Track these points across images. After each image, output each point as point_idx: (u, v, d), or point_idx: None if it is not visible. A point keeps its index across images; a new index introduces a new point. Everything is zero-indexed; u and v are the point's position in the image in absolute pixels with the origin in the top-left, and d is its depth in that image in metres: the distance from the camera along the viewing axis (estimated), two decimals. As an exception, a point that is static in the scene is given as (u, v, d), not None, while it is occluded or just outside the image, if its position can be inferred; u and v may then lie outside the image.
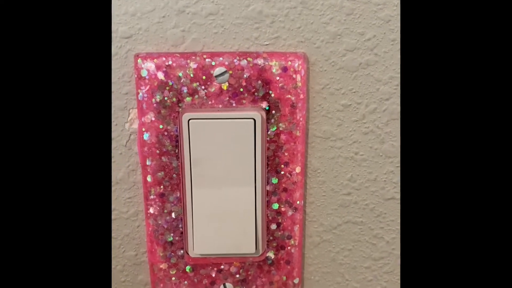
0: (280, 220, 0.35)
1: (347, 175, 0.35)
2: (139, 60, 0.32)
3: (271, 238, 0.35)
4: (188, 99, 0.32)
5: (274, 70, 0.32)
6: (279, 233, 0.35)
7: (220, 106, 0.32)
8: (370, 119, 0.34)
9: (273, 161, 0.34)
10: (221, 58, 0.32)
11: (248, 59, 0.32)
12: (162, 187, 0.34)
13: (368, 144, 0.35)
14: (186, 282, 0.36)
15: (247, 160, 0.33)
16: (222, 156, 0.33)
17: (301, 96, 0.33)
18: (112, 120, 0.34)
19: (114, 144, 0.34)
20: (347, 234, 0.37)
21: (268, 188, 0.34)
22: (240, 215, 0.34)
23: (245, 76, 0.32)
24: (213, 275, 0.36)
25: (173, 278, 0.36)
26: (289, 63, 0.32)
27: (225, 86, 0.32)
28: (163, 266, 0.36)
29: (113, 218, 0.36)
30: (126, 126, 0.34)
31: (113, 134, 0.34)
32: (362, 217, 0.36)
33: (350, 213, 0.36)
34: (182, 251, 0.35)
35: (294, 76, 0.32)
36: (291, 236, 0.35)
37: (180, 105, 0.32)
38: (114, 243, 0.37)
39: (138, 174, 0.35)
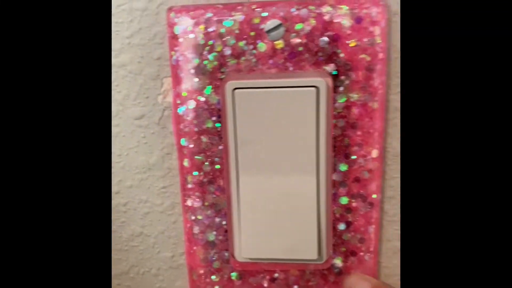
0: (350, 219, 0.28)
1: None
2: (171, 14, 0.26)
3: (338, 241, 0.28)
4: (232, 62, 0.26)
5: (344, 22, 0.25)
6: (349, 235, 0.28)
7: (274, 70, 0.26)
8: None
9: (342, 142, 0.26)
10: (274, 8, 0.25)
11: (310, 7, 0.25)
12: (202, 173, 0.28)
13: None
14: (232, 292, 0.30)
15: (307, 140, 0.26)
16: (276, 135, 0.26)
17: (380, 56, 0.25)
18: (143, 92, 0.28)
19: (145, 122, 0.28)
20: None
21: (334, 177, 0.27)
22: (299, 211, 0.28)
23: (305, 30, 0.25)
24: (265, 285, 0.29)
25: (216, 287, 0.29)
26: (364, 12, 0.24)
27: (279, 45, 0.25)
28: (204, 271, 0.29)
29: (145, 212, 0.30)
30: (159, 99, 0.28)
31: (144, 110, 0.28)
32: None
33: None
34: (227, 254, 0.29)
35: (371, 29, 0.25)
36: (364, 239, 0.28)
37: (222, 70, 0.26)
38: (148, 241, 0.31)
39: (174, 158, 0.29)
